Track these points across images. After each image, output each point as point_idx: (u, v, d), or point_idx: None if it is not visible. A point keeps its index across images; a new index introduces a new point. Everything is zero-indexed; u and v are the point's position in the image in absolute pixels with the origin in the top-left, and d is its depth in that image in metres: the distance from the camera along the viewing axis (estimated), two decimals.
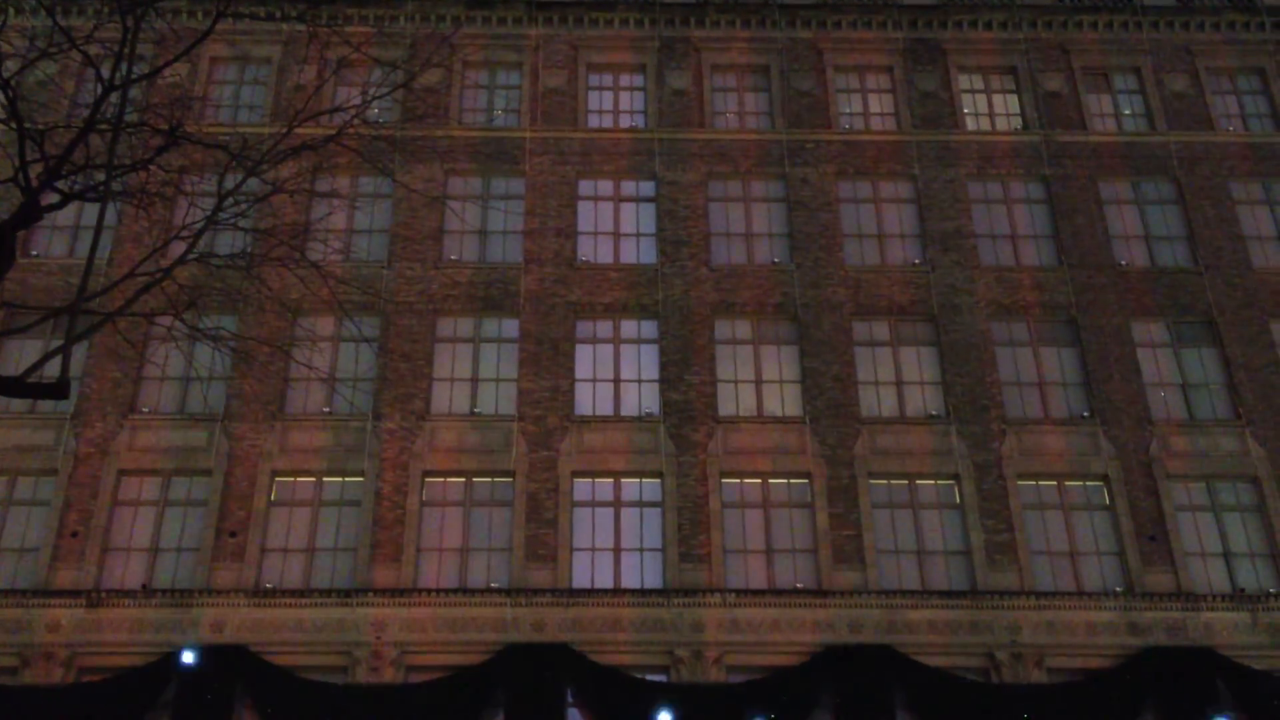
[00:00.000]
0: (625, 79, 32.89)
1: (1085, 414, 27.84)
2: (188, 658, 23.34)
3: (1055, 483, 27.09)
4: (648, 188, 30.95)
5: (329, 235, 28.56)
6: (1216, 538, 26.57)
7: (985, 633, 24.83)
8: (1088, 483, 27.13)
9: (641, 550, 26.10)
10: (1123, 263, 29.92)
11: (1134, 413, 27.71)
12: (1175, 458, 27.21)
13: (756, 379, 28.27)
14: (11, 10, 18.87)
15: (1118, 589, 25.70)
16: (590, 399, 27.94)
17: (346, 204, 29.58)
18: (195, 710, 23.17)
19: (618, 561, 25.97)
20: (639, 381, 28.19)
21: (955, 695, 23.76)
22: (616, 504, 26.65)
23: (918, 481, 27.05)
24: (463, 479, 26.77)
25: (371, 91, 17.18)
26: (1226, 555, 26.36)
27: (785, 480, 26.97)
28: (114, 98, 14.25)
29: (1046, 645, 24.70)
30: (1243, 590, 25.74)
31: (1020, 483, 26.90)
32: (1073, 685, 24.11)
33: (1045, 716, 23.47)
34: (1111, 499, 26.78)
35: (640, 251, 30.05)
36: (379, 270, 29.04)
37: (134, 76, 14.35)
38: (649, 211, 30.59)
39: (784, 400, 28.03)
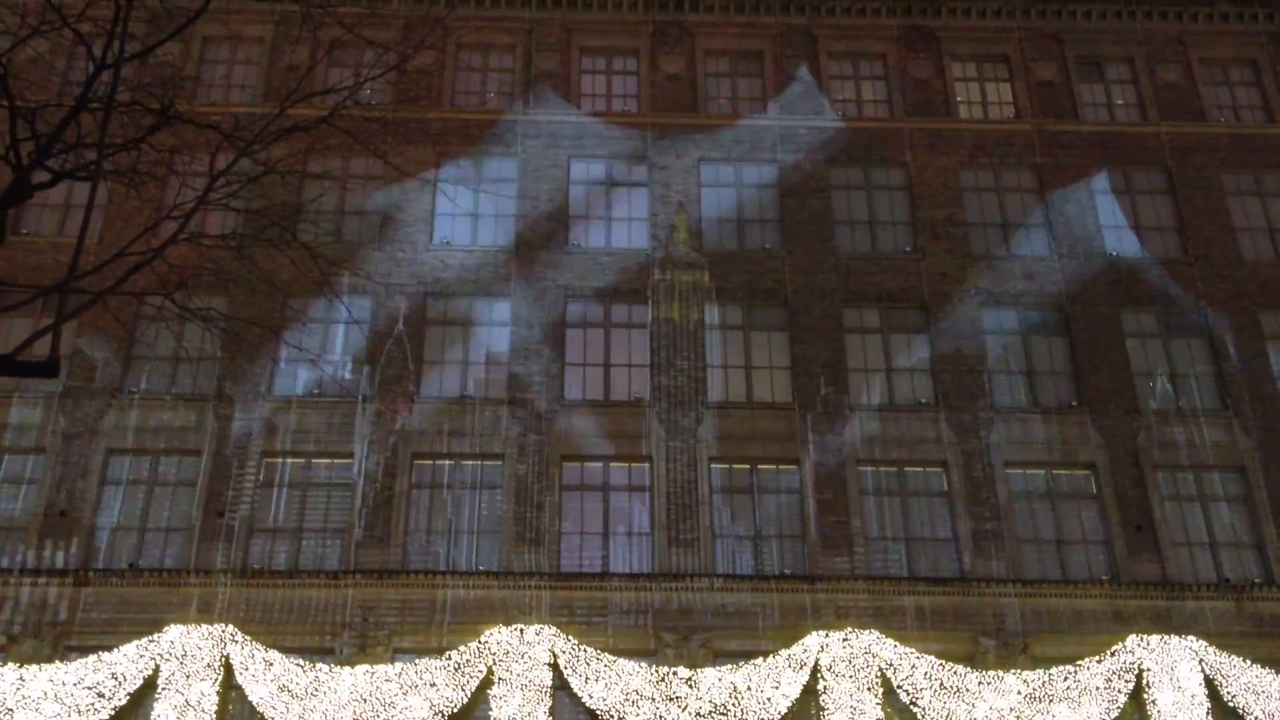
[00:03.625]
0: (618, 62, 32.84)
1: (1074, 403, 27.93)
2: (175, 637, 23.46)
3: (1043, 471, 27.18)
4: (640, 172, 30.93)
5: (320, 216, 28.55)
6: (1203, 527, 26.69)
7: (972, 620, 24.94)
8: (1075, 471, 27.24)
9: (630, 534, 26.17)
10: (1113, 253, 29.98)
11: (1122, 402, 27.81)
12: (1163, 447, 27.32)
13: (747, 365, 28.30)
14: None
15: (1104, 577, 25.83)
16: (580, 383, 27.97)
17: (338, 185, 29.53)
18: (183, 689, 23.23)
19: (606, 545, 26.03)
20: (629, 366, 28.21)
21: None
22: (605, 488, 26.70)
23: (906, 469, 27.12)
24: (452, 461, 26.79)
25: (364, 73, 17.08)
26: (1212, 545, 26.48)
27: (774, 466, 27.02)
28: (106, 76, 14.18)
29: (1032, 633, 24.82)
30: (1228, 580, 25.88)
31: (1008, 471, 26.99)
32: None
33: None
34: (1099, 488, 26.89)
35: (632, 236, 30.05)
36: (370, 252, 28.99)
37: (126, 55, 14.28)
38: (641, 196, 30.58)
39: (774, 386, 28.07)
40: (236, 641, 23.82)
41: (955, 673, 23.99)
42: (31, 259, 28.11)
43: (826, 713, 23.65)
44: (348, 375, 27.39)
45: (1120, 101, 32.74)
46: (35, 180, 13.81)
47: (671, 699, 23.47)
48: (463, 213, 29.89)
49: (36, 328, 24.16)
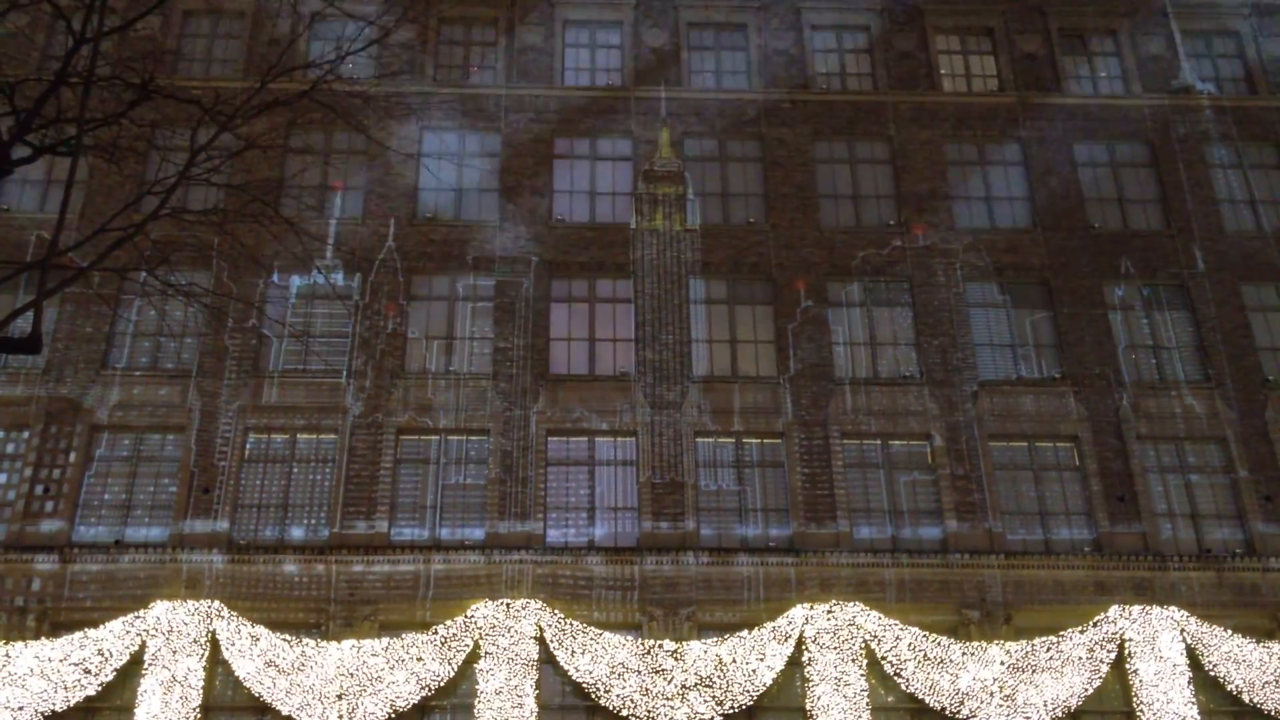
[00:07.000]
0: (602, 36, 32.70)
1: (1057, 375, 28.04)
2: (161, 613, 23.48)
3: (1026, 443, 27.31)
4: (624, 146, 30.86)
5: (303, 191, 28.44)
6: (1184, 498, 26.86)
7: (955, 591, 25.09)
8: (1058, 443, 27.37)
9: (616, 509, 26.22)
10: (1096, 225, 30.06)
11: (1105, 374, 27.93)
12: (1145, 419, 27.46)
13: (731, 339, 28.33)
14: None
15: (1086, 548, 25.99)
16: (565, 357, 27.97)
17: (321, 160, 29.38)
18: (170, 665, 23.26)
19: (592, 519, 26.08)
20: (614, 341, 28.22)
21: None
22: (591, 463, 26.73)
23: (891, 442, 27.21)
24: (437, 437, 26.79)
25: (346, 46, 17.02)
26: (1194, 516, 26.67)
27: (759, 440, 27.09)
28: (85, 50, 14.10)
29: (1015, 604, 24.99)
30: (1209, 550, 26.07)
31: (992, 443, 27.11)
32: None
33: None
34: (1081, 460, 27.04)
35: (616, 210, 30.00)
36: (354, 227, 28.90)
37: (106, 29, 14.20)
38: (625, 170, 30.52)
39: (759, 360, 28.12)
40: (223, 617, 23.85)
41: (939, 644, 24.15)
42: (12, 235, 27.95)
43: (811, 684, 23.81)
44: (329, 351, 27.33)
45: (1104, 74, 32.74)
46: (15, 155, 13.75)
47: (657, 672, 23.59)
48: (447, 187, 29.79)
49: (16, 304, 24.07)
